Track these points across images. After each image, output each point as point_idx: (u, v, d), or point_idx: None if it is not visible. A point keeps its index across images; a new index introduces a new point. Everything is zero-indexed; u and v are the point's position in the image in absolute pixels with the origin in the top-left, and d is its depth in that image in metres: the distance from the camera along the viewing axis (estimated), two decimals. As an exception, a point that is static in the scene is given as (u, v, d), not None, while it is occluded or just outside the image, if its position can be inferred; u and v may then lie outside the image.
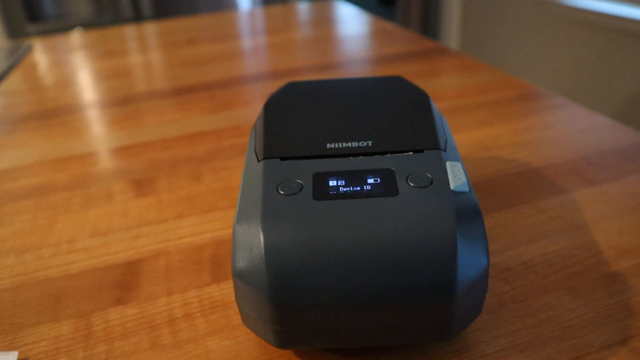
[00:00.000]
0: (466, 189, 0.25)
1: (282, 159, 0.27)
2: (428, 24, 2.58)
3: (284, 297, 0.22)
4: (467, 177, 0.26)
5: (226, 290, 0.31)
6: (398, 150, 0.27)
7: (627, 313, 0.28)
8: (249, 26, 0.97)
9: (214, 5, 2.17)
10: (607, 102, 1.74)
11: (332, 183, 0.25)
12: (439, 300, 0.22)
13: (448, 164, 0.26)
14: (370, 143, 0.28)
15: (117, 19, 2.05)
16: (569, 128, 0.49)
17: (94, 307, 0.30)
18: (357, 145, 0.28)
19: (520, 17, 2.03)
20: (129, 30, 0.98)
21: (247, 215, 0.24)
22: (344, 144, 0.28)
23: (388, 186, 0.25)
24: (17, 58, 0.83)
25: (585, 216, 0.36)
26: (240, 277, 0.23)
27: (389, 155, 0.27)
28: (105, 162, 0.48)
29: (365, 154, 0.27)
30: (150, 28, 0.99)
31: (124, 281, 0.32)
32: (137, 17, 2.08)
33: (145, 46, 0.87)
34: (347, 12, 1.03)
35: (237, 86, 0.65)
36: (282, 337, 0.23)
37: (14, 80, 0.74)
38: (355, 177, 0.26)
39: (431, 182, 0.25)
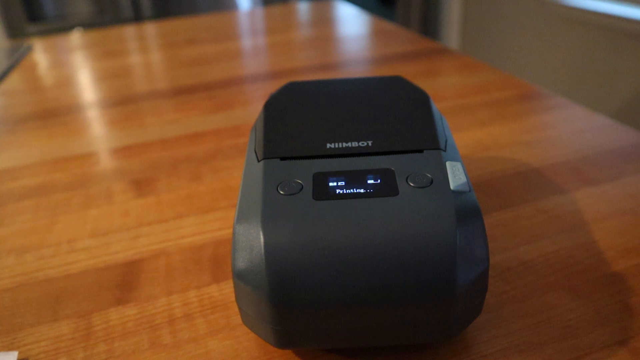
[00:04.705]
0: (466, 189, 0.25)
1: (282, 159, 0.27)
2: (428, 24, 2.58)
3: (284, 297, 0.22)
4: (467, 177, 0.26)
5: (226, 290, 0.31)
6: (398, 150, 0.27)
7: (627, 313, 0.28)
8: (249, 26, 0.97)
9: (214, 5, 2.17)
10: (607, 102, 1.74)
11: (332, 183, 0.25)
12: (438, 300, 0.22)
13: (448, 164, 0.26)
14: (370, 143, 0.28)
15: (117, 19, 2.05)
16: (569, 128, 0.49)
17: (94, 307, 0.30)
18: (357, 145, 0.28)
19: (520, 17, 2.03)
20: (129, 30, 0.98)
21: (247, 215, 0.24)
22: (344, 144, 0.28)
23: (388, 186, 0.25)
24: (17, 58, 0.83)
25: (585, 216, 0.36)
26: (240, 277, 0.23)
27: (389, 155, 0.27)
28: (105, 162, 0.48)
29: (365, 154, 0.27)
30: (150, 28, 0.99)
31: (124, 281, 0.32)
32: (137, 17, 2.08)
33: (145, 46, 0.87)
34: (347, 12, 1.03)
35: (237, 86, 0.65)
36: (282, 337, 0.23)
37: (14, 80, 0.74)
38: (355, 177, 0.26)
39: (431, 182, 0.25)
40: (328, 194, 0.24)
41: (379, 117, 0.30)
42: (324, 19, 0.99)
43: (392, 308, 0.22)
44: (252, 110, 0.57)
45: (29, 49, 0.89)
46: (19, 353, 0.27)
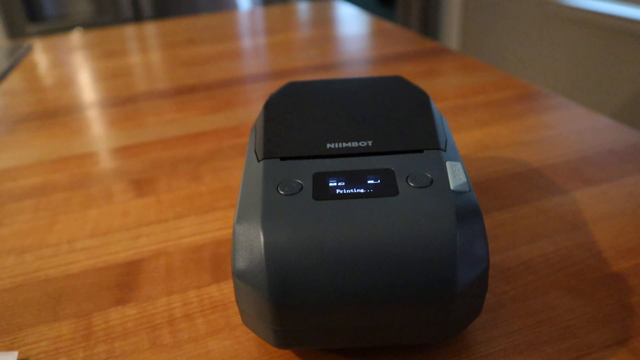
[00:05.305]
0: (466, 189, 0.25)
1: (282, 159, 0.27)
2: (428, 24, 2.58)
3: (284, 297, 0.22)
4: (467, 177, 0.26)
5: (226, 290, 0.31)
6: (398, 150, 0.27)
7: (627, 313, 0.28)
8: (249, 26, 0.97)
9: (214, 5, 2.17)
10: (607, 102, 1.74)
11: (332, 183, 0.25)
12: (438, 300, 0.22)
13: (448, 164, 0.26)
14: (370, 143, 0.28)
15: (117, 19, 2.05)
16: (569, 128, 0.49)
17: (94, 307, 0.30)
18: (357, 145, 0.28)
19: (520, 17, 2.03)
20: (129, 30, 0.98)
21: (247, 215, 0.24)
22: (344, 144, 0.28)
23: (388, 186, 0.25)
24: (17, 58, 0.83)
25: (585, 216, 0.36)
26: (240, 277, 0.23)
27: (389, 155, 0.27)
28: (105, 162, 0.48)
29: (365, 154, 0.27)
30: (150, 28, 0.99)
31: (124, 281, 0.32)
32: (137, 17, 2.08)
33: (145, 46, 0.87)
34: (347, 12, 1.03)
35: (237, 86, 0.65)
36: (282, 337, 0.23)
37: (14, 80, 0.74)
38: (355, 177, 0.26)
39: (431, 182, 0.25)
40: (328, 194, 0.24)
41: (379, 117, 0.30)
42: (324, 19, 0.99)
43: (392, 308, 0.22)
44: (252, 110, 0.57)
45: (29, 49, 0.89)
46: (19, 353, 0.27)
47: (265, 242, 0.22)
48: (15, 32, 1.95)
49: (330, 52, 0.77)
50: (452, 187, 0.24)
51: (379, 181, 0.25)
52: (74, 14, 2.04)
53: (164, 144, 0.50)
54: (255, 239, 0.23)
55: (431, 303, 0.22)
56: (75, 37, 0.97)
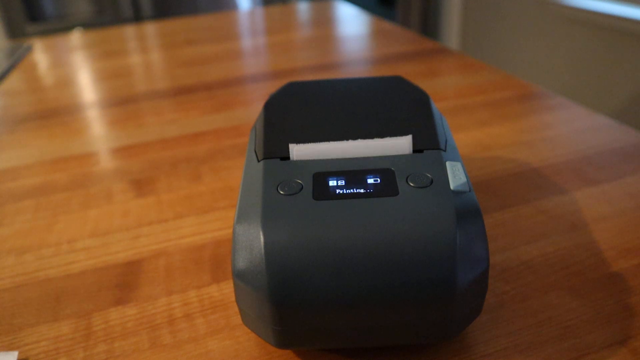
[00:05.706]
0: (466, 189, 0.25)
1: (282, 159, 0.27)
2: (428, 24, 2.58)
3: (284, 297, 0.22)
4: (467, 177, 0.26)
5: (226, 290, 0.31)
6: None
7: (627, 313, 0.28)
8: (249, 26, 0.97)
9: (214, 5, 2.17)
10: (607, 102, 1.74)
11: (332, 183, 0.25)
12: (438, 300, 0.22)
13: (448, 164, 0.26)
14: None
15: (117, 19, 2.05)
16: (569, 128, 0.49)
17: (94, 307, 0.30)
18: (357, 145, 0.28)
19: (520, 17, 2.03)
20: (129, 30, 0.98)
21: (247, 215, 0.24)
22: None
23: (388, 186, 0.25)
24: (17, 58, 0.83)
25: (585, 216, 0.36)
26: (240, 277, 0.23)
27: (388, 155, 0.27)
28: (105, 162, 0.48)
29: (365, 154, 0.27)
30: (150, 28, 0.99)
31: (124, 281, 0.32)
32: (137, 17, 2.08)
33: (145, 46, 0.87)
34: (347, 12, 1.03)
35: (237, 86, 0.65)
36: (282, 337, 0.23)
37: (14, 80, 0.74)
38: (355, 177, 0.26)
39: (431, 182, 0.25)
40: (328, 194, 0.24)
41: (379, 117, 0.30)
42: (324, 19, 0.99)
43: (392, 308, 0.22)
44: (252, 110, 0.57)
45: (29, 49, 0.89)
46: (19, 353, 0.27)
47: (265, 242, 0.22)
48: (15, 32, 1.95)
49: (330, 52, 0.77)
50: (452, 187, 0.24)
51: (379, 181, 0.25)
52: (74, 14, 2.04)
53: (164, 144, 0.50)
54: (255, 239, 0.23)
55: (431, 303, 0.22)
56: (75, 37, 0.97)
